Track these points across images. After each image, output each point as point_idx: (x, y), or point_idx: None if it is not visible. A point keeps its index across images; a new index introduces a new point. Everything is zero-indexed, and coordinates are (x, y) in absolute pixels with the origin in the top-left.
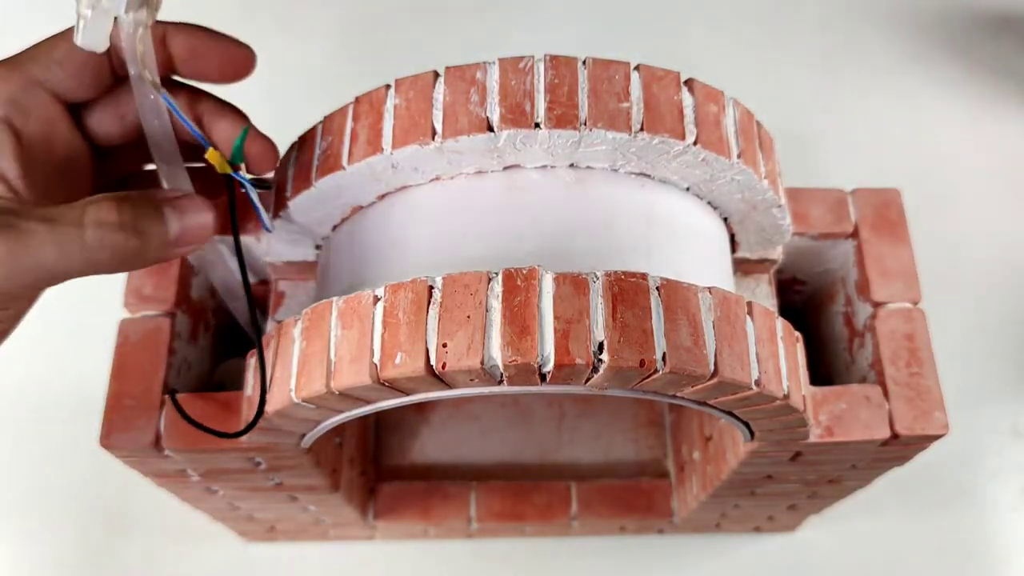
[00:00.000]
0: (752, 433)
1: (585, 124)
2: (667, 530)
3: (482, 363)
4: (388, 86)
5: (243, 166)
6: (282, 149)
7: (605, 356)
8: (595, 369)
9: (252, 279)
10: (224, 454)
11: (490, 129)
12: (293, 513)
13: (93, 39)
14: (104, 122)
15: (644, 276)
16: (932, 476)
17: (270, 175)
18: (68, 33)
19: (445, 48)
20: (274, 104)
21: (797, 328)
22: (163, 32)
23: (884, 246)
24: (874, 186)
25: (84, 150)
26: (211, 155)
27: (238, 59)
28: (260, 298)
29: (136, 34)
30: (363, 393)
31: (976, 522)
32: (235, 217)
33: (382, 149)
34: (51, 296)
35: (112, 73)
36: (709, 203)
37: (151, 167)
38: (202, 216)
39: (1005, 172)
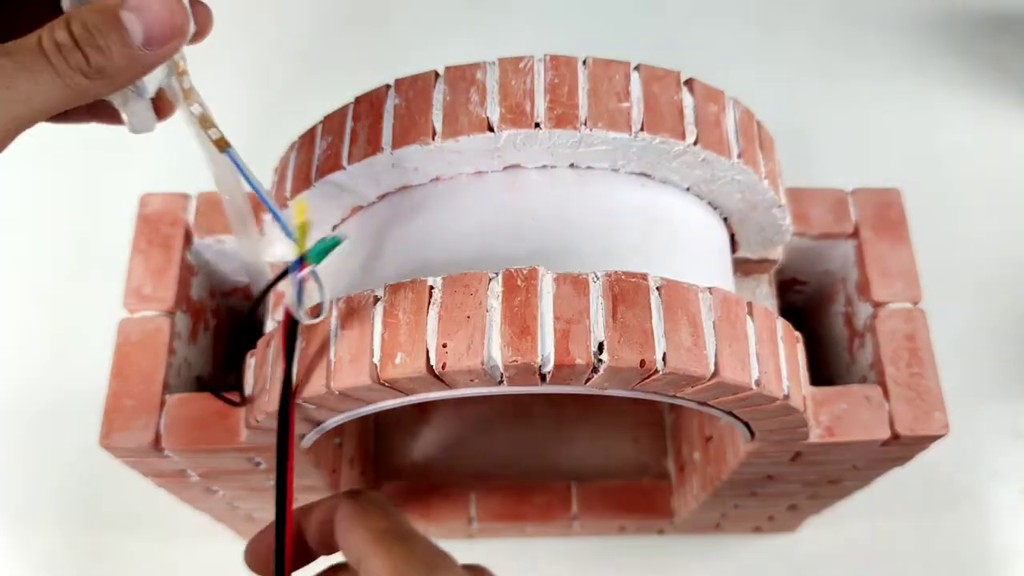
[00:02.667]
0: (752, 433)
1: (585, 124)
2: (667, 530)
3: (482, 363)
4: (388, 86)
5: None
6: (282, 149)
7: (605, 356)
8: (595, 369)
9: (250, 280)
10: (224, 454)
11: (490, 129)
12: None
13: (141, 125)
14: None
15: (644, 276)
16: (932, 476)
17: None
18: None
19: (445, 48)
20: (274, 104)
21: (797, 328)
22: None
23: (884, 246)
24: (874, 186)
25: None
26: (298, 208)
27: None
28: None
29: (181, 101)
30: (363, 393)
31: (976, 523)
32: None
33: (382, 149)
34: (51, 296)
35: None
36: (709, 203)
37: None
38: (163, 5)
39: (1005, 172)
